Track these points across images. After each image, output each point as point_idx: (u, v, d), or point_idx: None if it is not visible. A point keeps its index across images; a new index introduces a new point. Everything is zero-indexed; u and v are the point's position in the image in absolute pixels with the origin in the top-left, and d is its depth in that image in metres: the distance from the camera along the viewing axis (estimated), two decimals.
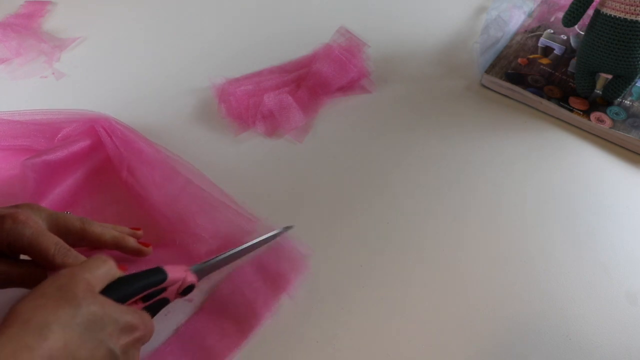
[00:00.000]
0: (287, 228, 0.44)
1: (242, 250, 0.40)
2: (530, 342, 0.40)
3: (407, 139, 0.55)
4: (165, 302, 0.34)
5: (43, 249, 0.33)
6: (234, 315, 0.40)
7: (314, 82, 0.58)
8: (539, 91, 0.58)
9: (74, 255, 0.34)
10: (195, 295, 0.41)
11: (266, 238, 0.42)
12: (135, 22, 0.71)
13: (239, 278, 0.42)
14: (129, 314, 0.29)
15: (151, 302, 0.33)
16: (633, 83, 0.55)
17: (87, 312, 0.27)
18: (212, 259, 0.38)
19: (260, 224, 0.45)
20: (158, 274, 0.33)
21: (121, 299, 0.30)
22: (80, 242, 0.38)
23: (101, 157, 0.49)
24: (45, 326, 0.25)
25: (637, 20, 0.49)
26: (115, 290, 0.30)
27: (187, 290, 0.35)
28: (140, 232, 0.42)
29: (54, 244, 0.34)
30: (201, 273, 0.37)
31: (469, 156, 0.54)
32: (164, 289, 0.33)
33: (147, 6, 0.74)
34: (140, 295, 0.32)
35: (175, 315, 0.40)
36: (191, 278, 0.35)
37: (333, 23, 0.62)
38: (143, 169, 0.47)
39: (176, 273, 0.34)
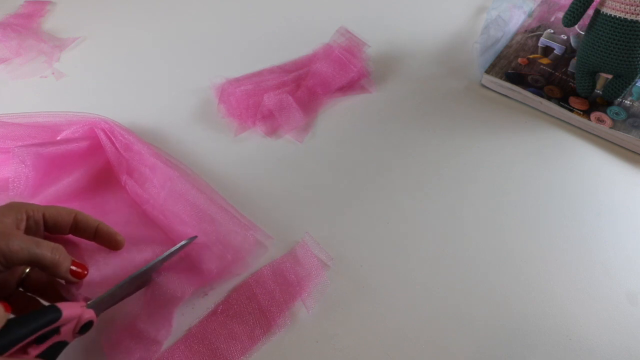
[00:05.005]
0: (192, 238, 0.41)
1: (143, 272, 0.37)
2: (530, 342, 0.40)
3: (407, 138, 0.55)
4: (61, 345, 0.32)
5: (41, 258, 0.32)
6: (246, 320, 0.40)
7: (314, 82, 0.58)
8: (539, 91, 0.58)
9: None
10: (211, 298, 0.41)
11: (170, 253, 0.39)
12: (135, 22, 0.71)
13: (256, 283, 0.42)
14: None
15: (46, 344, 0.31)
16: (633, 83, 0.55)
17: None
18: (110, 290, 0.35)
19: (262, 234, 0.45)
20: (51, 312, 0.31)
21: (11, 343, 0.28)
22: (71, 232, 0.37)
23: (100, 159, 0.49)
24: None
25: (637, 20, 0.49)
26: (4, 336, 0.28)
27: (85, 327, 0.33)
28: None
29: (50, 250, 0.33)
30: (99, 307, 0.34)
31: (469, 156, 0.54)
32: (58, 329, 0.31)
33: (147, 6, 0.74)
34: (33, 337, 0.30)
35: (188, 316, 0.40)
36: (88, 314, 0.33)
37: (333, 23, 0.62)
38: (143, 170, 0.47)
39: (71, 310, 0.32)
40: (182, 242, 0.40)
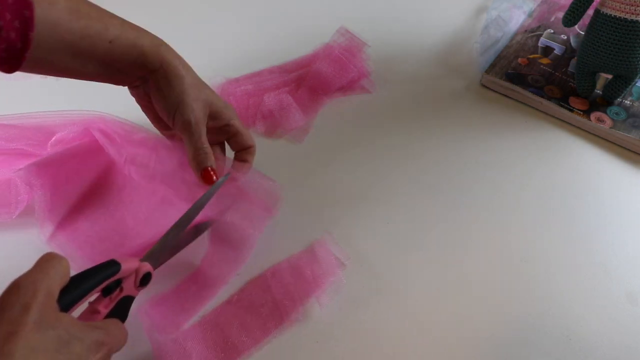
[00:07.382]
0: (226, 176, 0.42)
1: (186, 218, 0.39)
2: (530, 342, 0.40)
3: (407, 138, 0.55)
4: (129, 300, 0.35)
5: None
6: (260, 312, 0.40)
7: (314, 82, 0.58)
8: (539, 91, 0.58)
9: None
10: (226, 286, 0.41)
11: (208, 194, 0.40)
12: (135, 21, 0.71)
13: (272, 276, 0.42)
14: (94, 331, 0.29)
15: (113, 300, 0.33)
16: (633, 83, 0.55)
17: (53, 336, 0.26)
18: (158, 242, 0.37)
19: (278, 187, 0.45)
20: (111, 266, 0.33)
21: (78, 297, 0.30)
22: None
23: (99, 159, 0.49)
24: (10, 356, 0.24)
25: (637, 20, 0.49)
26: (71, 291, 0.29)
27: (144, 280, 0.35)
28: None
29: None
30: (152, 259, 0.36)
31: (469, 156, 0.54)
32: (120, 281, 0.33)
33: (146, 6, 0.74)
34: (98, 289, 0.32)
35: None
36: (145, 267, 0.35)
37: (333, 23, 0.62)
38: (144, 152, 0.46)
39: (128, 263, 0.34)
40: (219, 180, 0.40)
